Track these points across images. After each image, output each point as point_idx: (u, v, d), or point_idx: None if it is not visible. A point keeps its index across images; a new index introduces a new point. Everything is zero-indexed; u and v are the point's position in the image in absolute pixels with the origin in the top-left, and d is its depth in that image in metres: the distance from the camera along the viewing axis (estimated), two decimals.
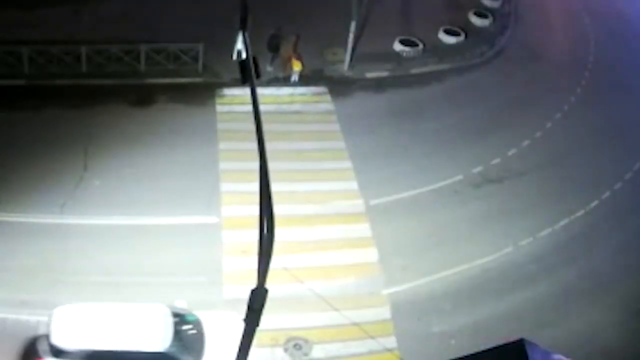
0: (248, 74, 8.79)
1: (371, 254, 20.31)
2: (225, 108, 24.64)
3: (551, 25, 34.68)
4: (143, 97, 24.69)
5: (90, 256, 18.72)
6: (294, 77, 26.34)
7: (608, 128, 26.96)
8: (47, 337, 14.90)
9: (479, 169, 23.97)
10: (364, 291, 19.34)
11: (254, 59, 8.91)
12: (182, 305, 16.82)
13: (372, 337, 17.68)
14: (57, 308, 15.50)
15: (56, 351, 14.66)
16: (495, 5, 34.02)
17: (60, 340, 14.67)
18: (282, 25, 26.36)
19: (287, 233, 17.01)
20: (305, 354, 17.70)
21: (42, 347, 14.80)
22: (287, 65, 26.54)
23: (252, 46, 9.84)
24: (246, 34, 8.46)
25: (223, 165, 22.19)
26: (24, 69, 24.24)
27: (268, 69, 25.93)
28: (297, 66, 26.24)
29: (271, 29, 25.83)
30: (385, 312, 18.87)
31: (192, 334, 15.81)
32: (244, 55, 8.77)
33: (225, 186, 21.46)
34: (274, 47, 26.06)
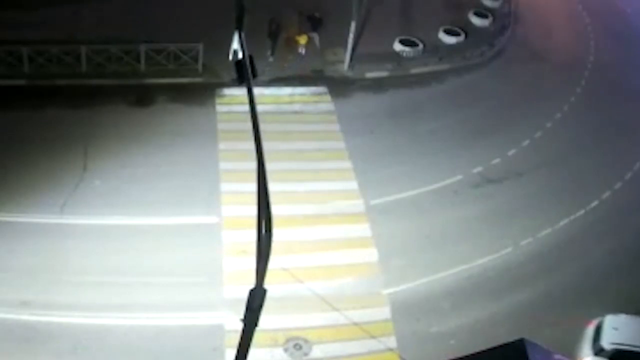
0: (244, 74, 8.77)
1: (371, 254, 20.30)
2: (225, 108, 24.64)
3: (551, 25, 34.65)
4: (143, 97, 24.70)
5: (90, 256, 18.74)
6: (302, 50, 27.11)
7: (608, 128, 26.95)
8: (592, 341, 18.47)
9: (478, 169, 23.96)
10: (364, 291, 19.33)
11: (251, 58, 8.89)
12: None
13: (372, 337, 17.67)
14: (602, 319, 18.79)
15: (599, 350, 18.09)
16: (495, 5, 34.00)
17: (606, 341, 18.11)
18: (279, 12, 26.62)
19: (287, 233, 17.07)
20: (305, 354, 17.70)
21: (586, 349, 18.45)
22: (290, 45, 26.97)
23: (250, 45, 9.84)
24: (242, 34, 8.43)
25: (223, 165, 22.20)
26: (24, 69, 24.26)
27: (270, 59, 26.34)
28: (303, 40, 26.96)
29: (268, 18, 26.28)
30: (385, 312, 18.87)
31: None
32: (240, 55, 8.75)
33: (225, 186, 21.47)
34: (274, 34, 26.44)
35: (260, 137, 7.90)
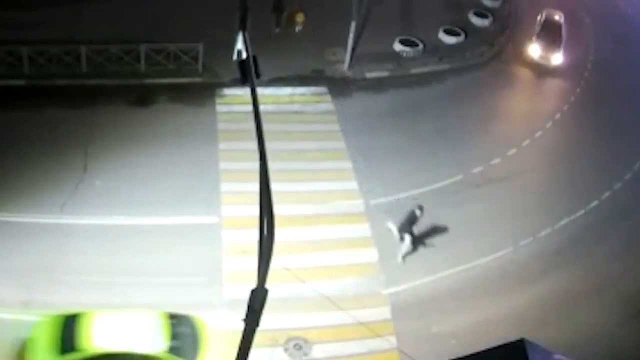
0: (248, 74, 8.76)
1: (371, 254, 20.31)
2: (225, 108, 24.64)
3: None
4: (143, 97, 24.68)
5: (90, 256, 18.73)
6: (298, 28, 28.46)
7: (608, 128, 26.98)
8: None
9: (479, 169, 23.98)
10: (364, 291, 19.33)
11: (254, 58, 8.88)
12: None
13: (372, 337, 17.68)
14: None
15: None
16: (495, 5, 34.02)
17: None
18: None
19: (287, 233, 16.99)
20: (305, 354, 17.70)
21: None
22: (291, 21, 28.31)
23: (252, 46, 9.84)
24: (246, 34, 8.44)
25: (223, 165, 22.20)
26: (24, 69, 24.24)
27: (276, 30, 28.16)
28: (300, 17, 28.31)
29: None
30: (385, 312, 18.88)
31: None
32: (244, 55, 8.74)
33: (225, 186, 21.46)
34: (279, 8, 27.71)
35: (263, 138, 7.89)
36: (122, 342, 14.85)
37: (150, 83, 25.23)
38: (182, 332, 15.65)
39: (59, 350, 14.74)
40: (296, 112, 25.39)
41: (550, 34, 31.30)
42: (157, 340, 15.11)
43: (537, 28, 32.18)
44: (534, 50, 30.93)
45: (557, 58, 30.64)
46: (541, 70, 30.49)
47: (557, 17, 32.64)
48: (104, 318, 15.30)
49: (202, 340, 15.72)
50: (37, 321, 15.55)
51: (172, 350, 15.03)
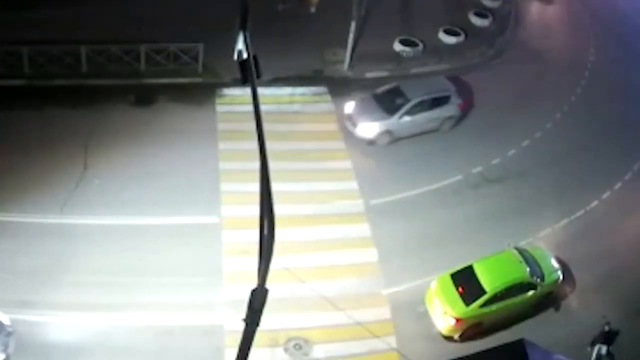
0: (249, 74, 8.73)
1: (371, 254, 20.33)
2: (225, 108, 24.64)
3: (551, 25, 34.65)
4: (143, 97, 24.69)
5: (90, 256, 18.77)
6: (312, 9, 28.42)
7: (608, 128, 26.92)
8: None
9: (478, 169, 23.97)
10: (364, 291, 19.36)
11: (255, 58, 8.86)
12: None
13: (372, 337, 17.69)
14: None
15: None
16: (495, 5, 34.00)
17: None
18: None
19: (287, 233, 17.00)
20: (305, 354, 17.72)
21: None
22: (304, 2, 28.27)
23: (253, 45, 9.82)
24: (247, 34, 8.41)
25: (223, 165, 22.21)
26: (24, 69, 24.25)
27: (280, 7, 27.80)
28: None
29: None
30: (385, 312, 18.91)
31: None
32: (244, 55, 8.71)
33: (225, 186, 21.48)
34: None
35: (263, 138, 7.88)
36: (502, 278, 18.91)
37: (150, 83, 25.24)
38: (530, 260, 19.73)
39: (469, 298, 18.50)
40: (296, 112, 25.37)
41: (376, 104, 24.50)
42: (522, 269, 19.29)
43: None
44: (348, 107, 24.62)
45: (365, 131, 23.97)
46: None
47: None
48: (482, 265, 19.15)
49: (544, 263, 19.99)
50: (430, 287, 19.08)
51: (530, 273, 19.25)
